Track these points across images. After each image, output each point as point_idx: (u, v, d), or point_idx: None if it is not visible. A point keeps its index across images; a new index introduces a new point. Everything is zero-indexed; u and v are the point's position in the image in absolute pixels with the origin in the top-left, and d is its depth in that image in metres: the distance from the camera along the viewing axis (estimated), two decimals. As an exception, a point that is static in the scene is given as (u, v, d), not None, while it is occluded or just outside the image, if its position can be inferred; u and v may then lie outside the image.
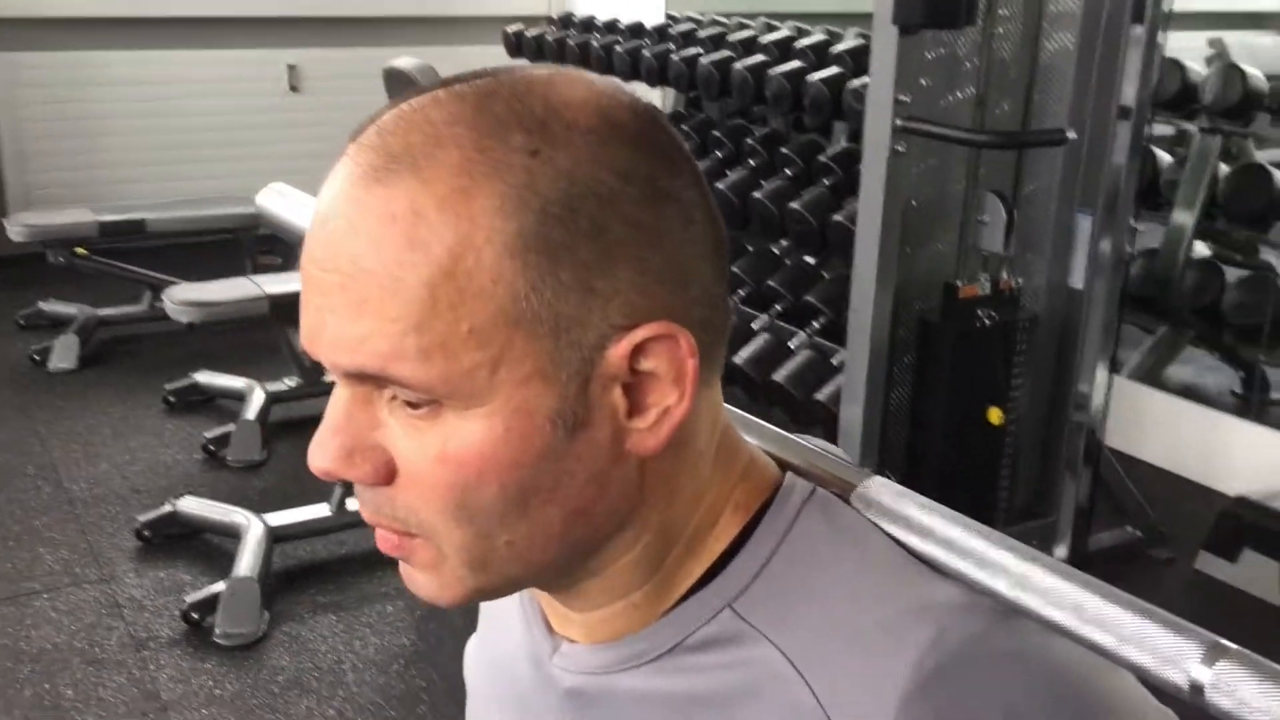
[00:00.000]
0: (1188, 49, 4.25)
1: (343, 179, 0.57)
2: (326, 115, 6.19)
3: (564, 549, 0.62)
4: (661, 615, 0.65)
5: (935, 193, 2.68)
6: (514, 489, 0.58)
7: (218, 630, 2.92)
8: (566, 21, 4.85)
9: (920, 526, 0.64)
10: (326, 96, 6.23)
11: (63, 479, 3.73)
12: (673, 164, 0.60)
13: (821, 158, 3.31)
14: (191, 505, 3.36)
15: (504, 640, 0.77)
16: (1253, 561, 3.22)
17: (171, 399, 4.27)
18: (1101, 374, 2.82)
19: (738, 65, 3.61)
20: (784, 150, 3.46)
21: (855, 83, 3.15)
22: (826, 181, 3.24)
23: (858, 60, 3.31)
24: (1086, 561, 2.93)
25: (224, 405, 4.26)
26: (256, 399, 4.03)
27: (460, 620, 2.78)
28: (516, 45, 4.80)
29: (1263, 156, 4.20)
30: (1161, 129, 4.14)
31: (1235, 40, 4.58)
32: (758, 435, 0.71)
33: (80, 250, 4.77)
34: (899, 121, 2.50)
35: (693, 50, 3.87)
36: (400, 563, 0.63)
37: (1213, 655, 0.55)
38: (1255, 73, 3.94)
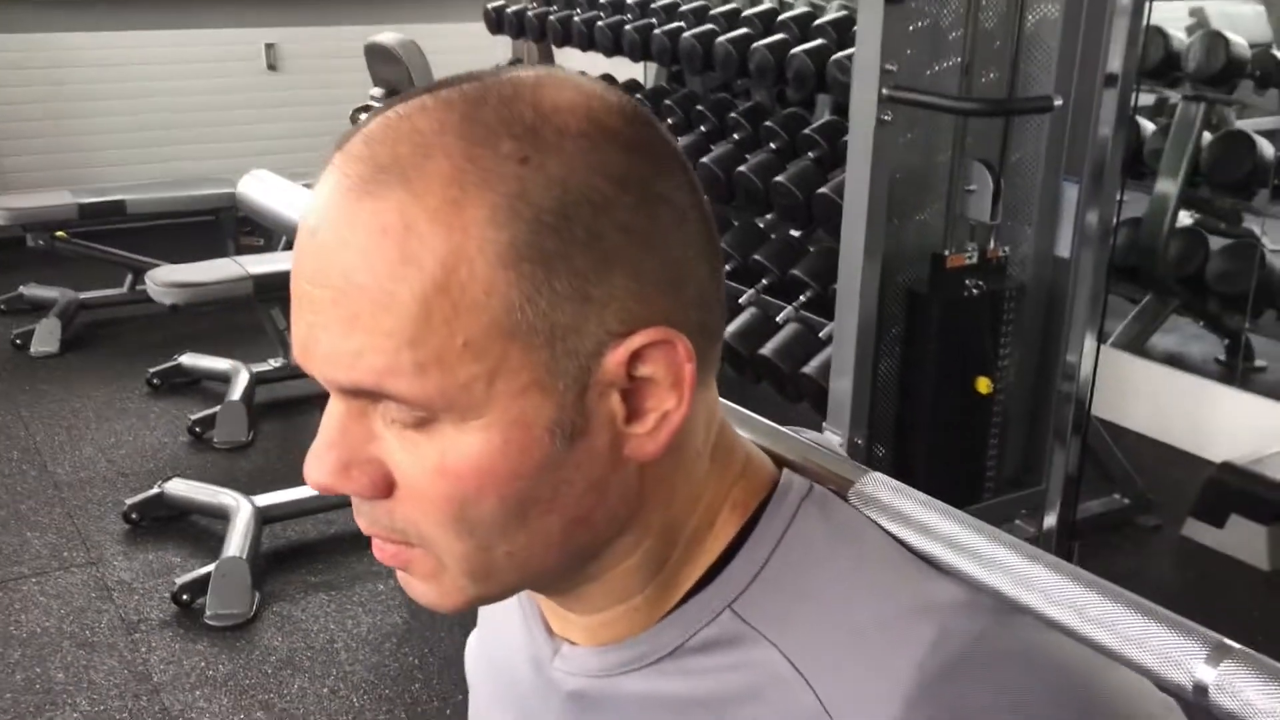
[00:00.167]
0: (1169, 19, 4.25)
1: (330, 190, 0.56)
2: (306, 94, 6.16)
3: (564, 556, 0.61)
4: (662, 617, 0.65)
5: (921, 163, 2.68)
6: (513, 500, 0.57)
7: (208, 612, 2.91)
8: (547, -4, 4.81)
9: (919, 523, 0.64)
10: (305, 75, 6.20)
11: (47, 463, 3.71)
12: (665, 165, 0.59)
13: (806, 131, 3.30)
14: (179, 487, 3.35)
15: (503, 639, 0.76)
16: (1240, 527, 3.24)
17: (155, 382, 4.25)
18: (1089, 343, 2.82)
19: (721, 39, 3.59)
20: (768, 124, 3.45)
21: (840, 55, 3.14)
22: (811, 155, 3.23)
23: (842, 32, 3.30)
24: (1075, 530, 2.94)
25: (209, 387, 4.25)
26: (241, 380, 4.01)
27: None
28: (497, 21, 4.77)
29: (1246, 125, 4.21)
30: (1144, 98, 4.14)
31: (1216, 10, 4.59)
32: (754, 431, 0.70)
33: (60, 233, 4.75)
34: (885, 91, 2.49)
35: (675, 24, 3.85)
36: (398, 570, 0.62)
37: (1217, 656, 0.54)
38: (1239, 39, 3.94)
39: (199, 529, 3.33)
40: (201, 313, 4.12)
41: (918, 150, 2.66)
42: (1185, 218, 4.26)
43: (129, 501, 3.34)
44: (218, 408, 3.89)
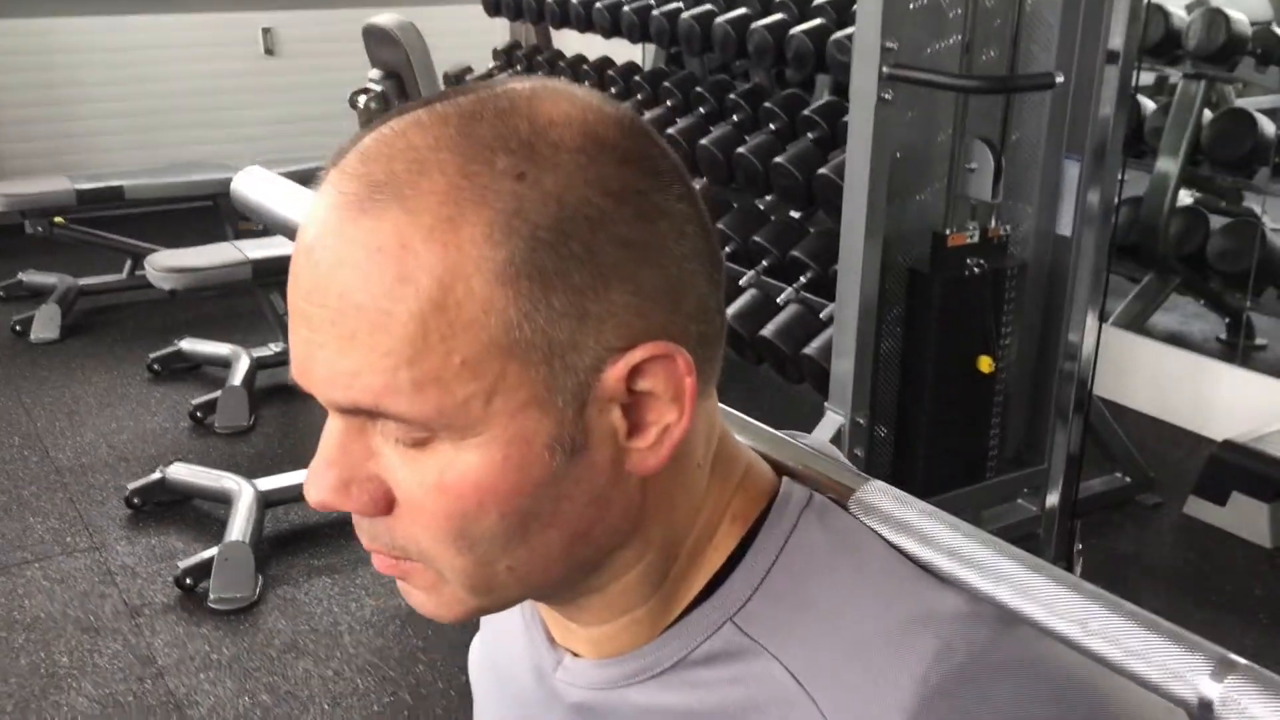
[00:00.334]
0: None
1: (326, 208, 0.56)
2: (304, 78, 6.14)
3: (566, 570, 0.61)
4: (665, 630, 0.65)
5: (921, 142, 2.67)
6: (514, 516, 0.57)
7: (212, 595, 2.92)
8: (545, -22, 4.79)
9: (921, 533, 0.63)
10: (303, 59, 6.18)
11: (49, 449, 3.71)
12: (662, 177, 0.58)
13: (806, 111, 3.28)
14: (181, 472, 3.35)
15: (506, 646, 0.76)
16: (1241, 504, 3.25)
17: (156, 367, 4.25)
18: (1091, 322, 2.82)
19: (719, 19, 3.57)
20: (767, 105, 3.44)
21: (839, 34, 3.13)
22: (811, 135, 3.22)
23: (840, 12, 3.28)
24: (1077, 509, 2.94)
25: (209, 372, 4.25)
26: (242, 365, 4.01)
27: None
28: (495, 2, 4.75)
29: (1247, 103, 4.20)
30: (1144, 76, 4.13)
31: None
32: (754, 437, 0.70)
33: (59, 220, 4.74)
34: (886, 69, 2.48)
35: (674, 5, 3.83)
36: (398, 580, 0.62)
37: (1222, 670, 0.53)
38: (1239, 17, 3.93)
39: (201, 513, 3.33)
40: (201, 298, 4.12)
41: (918, 129, 2.66)
42: (1186, 196, 4.26)
43: (131, 486, 3.34)
44: (219, 392, 3.89)
